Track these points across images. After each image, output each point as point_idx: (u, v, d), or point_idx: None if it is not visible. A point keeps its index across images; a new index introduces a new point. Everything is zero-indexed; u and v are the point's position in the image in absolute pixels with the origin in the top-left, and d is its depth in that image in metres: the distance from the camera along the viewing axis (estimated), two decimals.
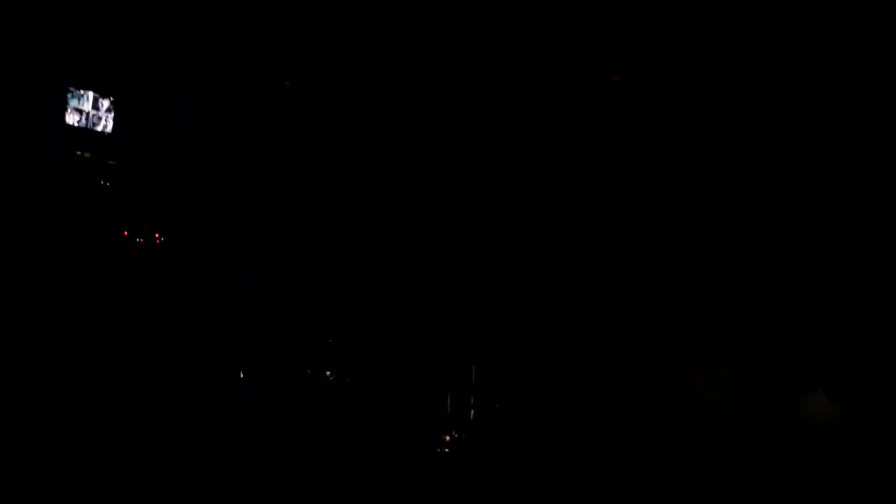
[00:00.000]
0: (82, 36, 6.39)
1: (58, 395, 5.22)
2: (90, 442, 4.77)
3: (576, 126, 6.81)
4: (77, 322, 5.81)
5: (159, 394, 5.47)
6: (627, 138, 6.72)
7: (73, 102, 6.47)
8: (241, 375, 6.21)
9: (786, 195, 6.30)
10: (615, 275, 6.68)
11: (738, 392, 5.62)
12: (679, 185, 6.61)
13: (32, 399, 5.13)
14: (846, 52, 6.05)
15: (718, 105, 6.48)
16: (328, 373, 6.28)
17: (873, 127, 6.10)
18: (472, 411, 6.34)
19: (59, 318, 5.76)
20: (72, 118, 6.47)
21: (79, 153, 6.51)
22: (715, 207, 6.52)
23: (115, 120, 6.65)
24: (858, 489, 4.90)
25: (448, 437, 6.23)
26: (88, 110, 6.53)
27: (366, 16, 6.28)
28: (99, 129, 6.59)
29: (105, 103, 6.60)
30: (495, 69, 6.72)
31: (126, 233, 6.52)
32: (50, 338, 5.61)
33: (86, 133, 6.53)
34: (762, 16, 6.08)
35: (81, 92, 6.49)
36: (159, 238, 6.62)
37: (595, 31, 6.39)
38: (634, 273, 6.67)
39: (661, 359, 6.07)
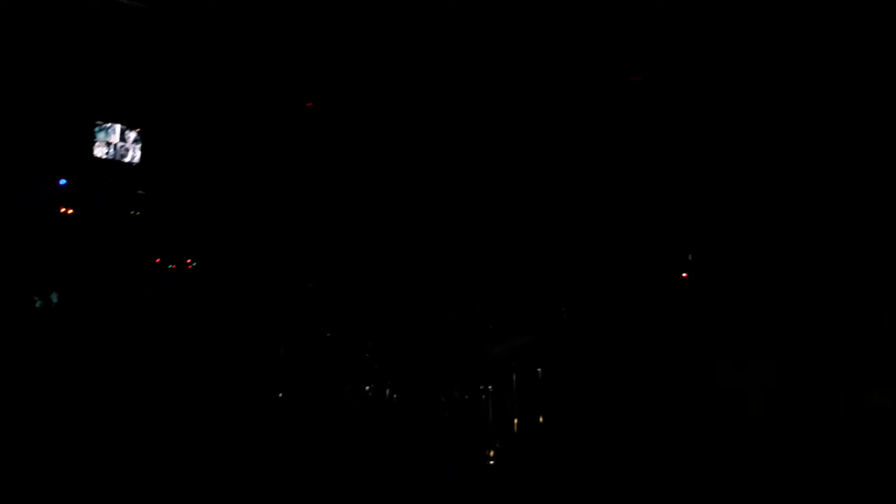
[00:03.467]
0: (107, 69, 6.49)
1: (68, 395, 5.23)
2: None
3: (598, 125, 6.70)
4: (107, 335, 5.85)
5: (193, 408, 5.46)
6: (644, 137, 6.59)
7: (101, 136, 6.56)
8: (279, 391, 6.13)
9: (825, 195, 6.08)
10: (654, 279, 6.50)
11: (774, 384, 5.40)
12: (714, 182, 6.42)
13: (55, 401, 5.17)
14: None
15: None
16: (367, 387, 6.14)
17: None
18: (516, 421, 6.12)
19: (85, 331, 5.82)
20: (100, 151, 6.56)
21: (108, 184, 6.59)
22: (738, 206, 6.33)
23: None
24: None
25: (492, 451, 6.01)
26: (116, 142, 6.61)
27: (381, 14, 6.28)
28: (127, 160, 6.66)
29: (132, 135, 6.67)
30: (503, 72, 6.69)
31: (158, 259, 6.54)
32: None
33: (114, 164, 6.61)
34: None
35: (108, 125, 6.58)
36: (191, 263, 6.62)
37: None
38: (673, 275, 6.48)
39: (699, 359, 5.87)
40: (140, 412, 5.17)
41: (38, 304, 6.00)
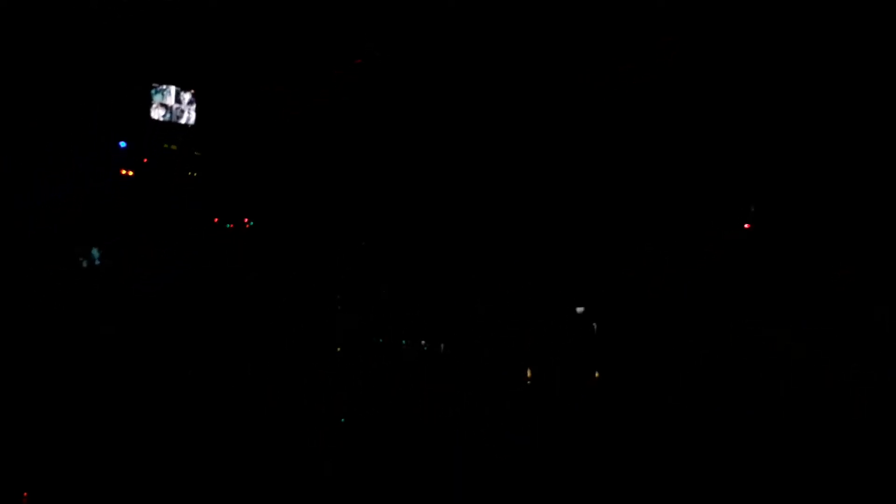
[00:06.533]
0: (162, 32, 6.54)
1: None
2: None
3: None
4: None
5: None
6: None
7: (157, 98, 6.70)
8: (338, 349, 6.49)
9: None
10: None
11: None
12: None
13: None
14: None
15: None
16: (423, 342, 6.49)
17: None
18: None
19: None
20: (156, 113, 6.71)
21: (165, 146, 6.77)
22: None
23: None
24: None
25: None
26: (172, 104, 6.75)
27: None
28: (182, 121, 6.82)
29: (187, 96, 6.80)
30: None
31: (216, 219, 6.81)
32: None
33: (170, 126, 6.78)
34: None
35: (164, 87, 6.70)
36: (248, 223, 6.90)
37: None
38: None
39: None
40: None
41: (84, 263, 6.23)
